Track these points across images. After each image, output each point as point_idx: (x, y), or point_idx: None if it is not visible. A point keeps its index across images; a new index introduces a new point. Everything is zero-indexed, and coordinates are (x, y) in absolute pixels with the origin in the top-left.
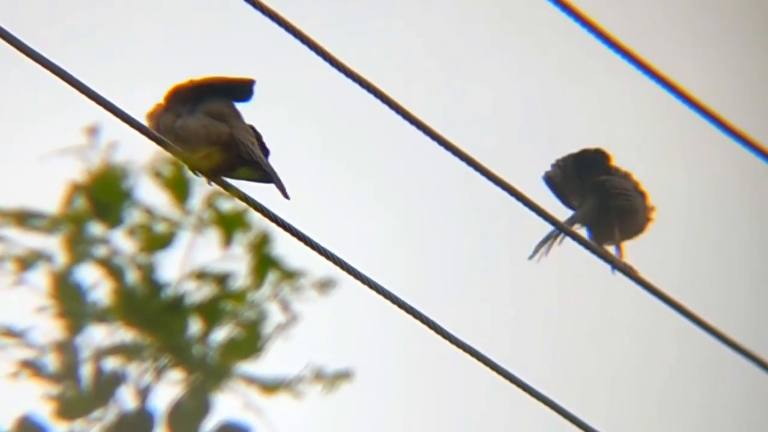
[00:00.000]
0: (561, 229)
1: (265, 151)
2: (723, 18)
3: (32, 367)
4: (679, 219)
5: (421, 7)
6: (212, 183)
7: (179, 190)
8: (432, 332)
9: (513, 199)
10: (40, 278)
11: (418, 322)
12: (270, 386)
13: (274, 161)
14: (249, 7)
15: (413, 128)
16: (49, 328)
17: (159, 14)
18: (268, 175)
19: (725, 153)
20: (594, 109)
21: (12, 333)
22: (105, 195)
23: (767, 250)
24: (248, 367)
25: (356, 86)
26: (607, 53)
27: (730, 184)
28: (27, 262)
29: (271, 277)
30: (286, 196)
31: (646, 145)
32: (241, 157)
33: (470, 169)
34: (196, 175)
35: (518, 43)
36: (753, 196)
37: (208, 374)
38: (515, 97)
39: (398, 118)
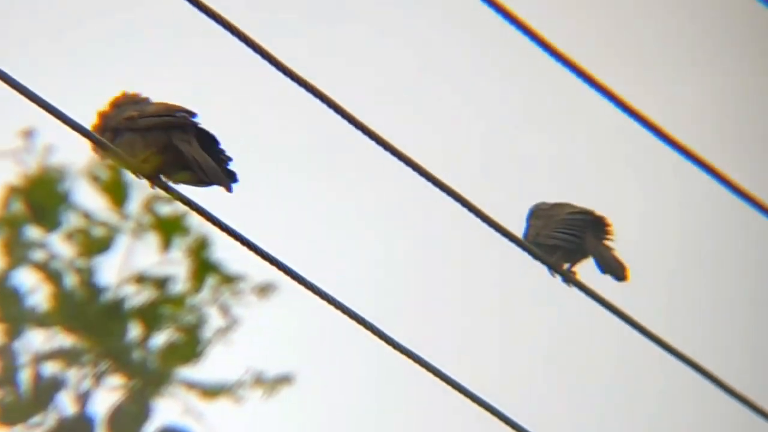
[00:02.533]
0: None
1: (213, 141)
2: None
3: None
4: (661, 255)
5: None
6: (154, 186)
7: (117, 193)
8: (373, 336)
9: (443, 194)
10: None
11: (358, 326)
12: (210, 391)
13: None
14: (210, 23)
15: (349, 126)
16: None
17: (103, 16)
18: (208, 176)
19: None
20: (568, 142)
21: None
22: (42, 198)
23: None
24: (188, 371)
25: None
26: (582, 87)
27: (710, 222)
28: None
29: (211, 281)
30: (228, 189)
31: (615, 173)
32: (181, 156)
33: (405, 169)
34: (138, 177)
35: (492, 74)
36: (733, 234)
37: (148, 379)
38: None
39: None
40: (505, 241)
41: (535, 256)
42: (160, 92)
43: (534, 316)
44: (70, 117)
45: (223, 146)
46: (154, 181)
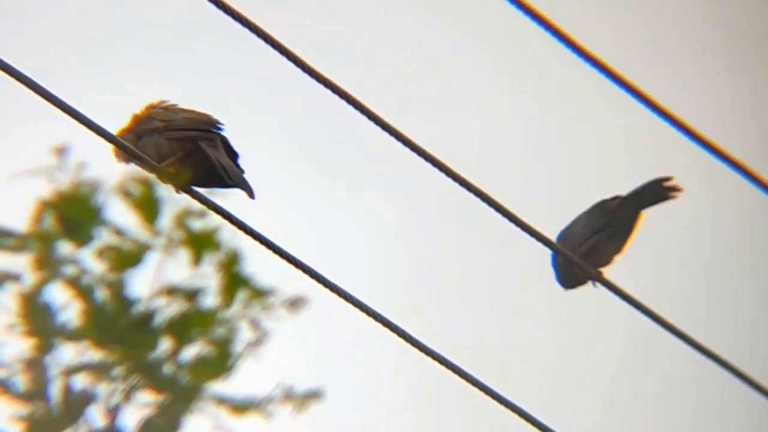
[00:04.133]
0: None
1: (234, 155)
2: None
3: (1, 386)
4: (672, 241)
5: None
6: (181, 192)
7: (148, 208)
8: (407, 344)
9: (478, 201)
10: (9, 297)
11: (392, 334)
12: (240, 406)
13: (247, 167)
14: (232, 23)
15: (390, 138)
16: (18, 347)
17: (133, 29)
18: (232, 179)
19: (717, 179)
20: (586, 134)
21: None
22: (74, 214)
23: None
24: (218, 386)
25: (341, 101)
26: (602, 81)
27: (720, 207)
28: None
29: (241, 295)
30: (251, 196)
31: (638, 168)
32: (206, 161)
33: (441, 177)
34: (165, 184)
35: (513, 68)
36: (746, 220)
37: (178, 393)
38: (510, 118)
39: (377, 129)
40: (546, 252)
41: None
42: (186, 98)
43: (571, 321)
44: (96, 122)
45: (240, 162)
46: (181, 186)
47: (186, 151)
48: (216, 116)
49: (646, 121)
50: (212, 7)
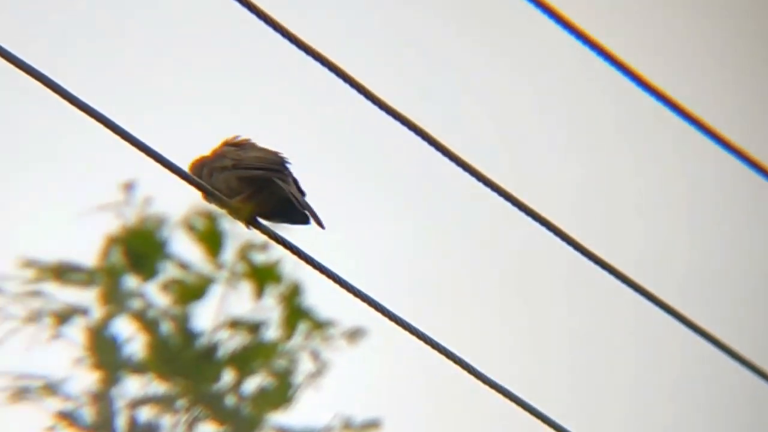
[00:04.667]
0: None
1: (301, 193)
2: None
3: (69, 418)
4: (680, 227)
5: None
6: (249, 226)
7: (212, 242)
8: (466, 373)
9: (564, 244)
10: (77, 331)
11: (451, 363)
12: None
13: (309, 197)
14: (307, 60)
15: (458, 169)
16: (85, 380)
17: (201, 65)
18: (302, 214)
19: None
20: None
21: (49, 385)
22: (140, 248)
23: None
24: (279, 416)
25: (401, 126)
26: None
27: (728, 192)
28: (64, 315)
29: (302, 327)
30: (321, 226)
31: (642, 155)
32: (276, 195)
33: (512, 209)
34: (234, 219)
35: (520, 59)
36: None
37: (241, 424)
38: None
39: (440, 156)
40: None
41: None
42: (256, 132)
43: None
44: (168, 159)
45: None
46: (250, 221)
47: (255, 187)
48: (284, 154)
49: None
50: (286, 46)
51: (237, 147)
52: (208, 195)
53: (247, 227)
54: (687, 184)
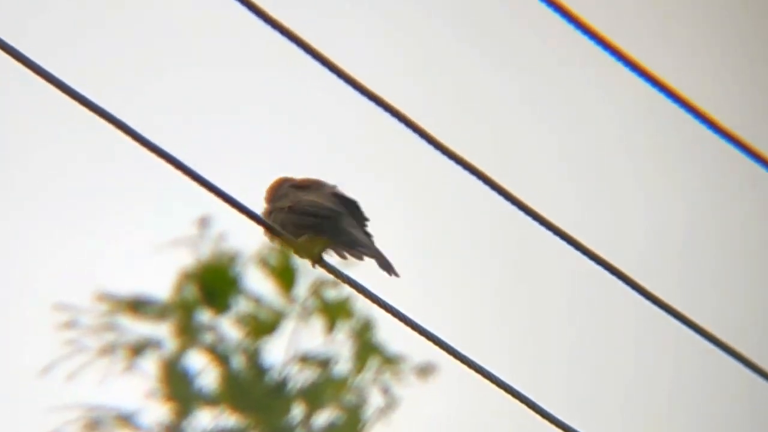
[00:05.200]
0: None
1: (364, 221)
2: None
3: None
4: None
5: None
6: (317, 266)
7: (285, 278)
8: (538, 417)
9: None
10: (150, 364)
11: (523, 406)
12: None
13: (376, 239)
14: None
15: (506, 203)
16: (157, 412)
17: (265, 102)
18: (369, 255)
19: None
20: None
21: (122, 416)
22: (214, 283)
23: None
24: None
25: (461, 171)
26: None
27: (728, 187)
28: (138, 348)
29: (373, 362)
30: (394, 273)
31: (639, 146)
32: (342, 239)
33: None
34: (302, 258)
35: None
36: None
37: None
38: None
39: (495, 196)
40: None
41: None
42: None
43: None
44: (234, 198)
45: (369, 226)
46: (316, 260)
47: (310, 232)
48: (341, 193)
49: (641, 92)
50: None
51: (300, 188)
52: (274, 233)
53: (314, 266)
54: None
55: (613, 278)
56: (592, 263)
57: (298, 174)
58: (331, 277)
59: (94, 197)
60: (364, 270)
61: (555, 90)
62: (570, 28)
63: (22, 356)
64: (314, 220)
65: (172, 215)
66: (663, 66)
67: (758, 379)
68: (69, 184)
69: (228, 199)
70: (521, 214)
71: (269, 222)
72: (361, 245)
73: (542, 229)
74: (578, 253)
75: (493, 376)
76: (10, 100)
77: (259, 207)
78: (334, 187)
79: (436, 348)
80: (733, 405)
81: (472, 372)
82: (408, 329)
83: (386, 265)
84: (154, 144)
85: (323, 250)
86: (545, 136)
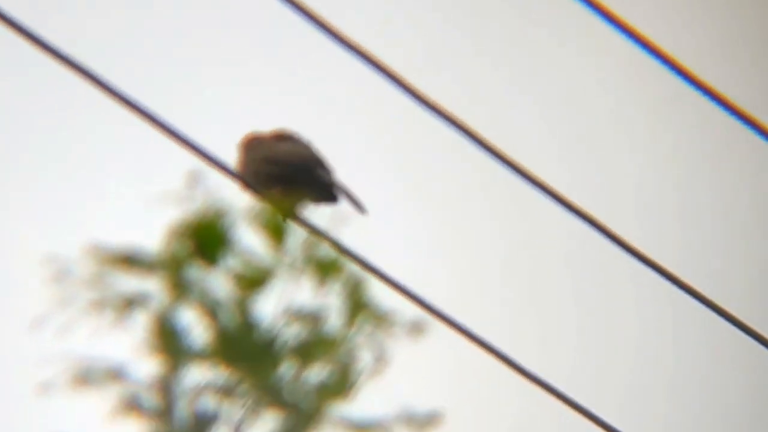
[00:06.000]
0: None
1: (332, 171)
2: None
3: (132, 403)
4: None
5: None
6: (292, 218)
7: (276, 234)
8: (523, 378)
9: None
10: (141, 318)
11: (509, 369)
12: (361, 427)
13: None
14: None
15: (502, 167)
16: (148, 367)
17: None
18: (339, 195)
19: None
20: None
21: (113, 370)
22: (204, 238)
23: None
24: (340, 408)
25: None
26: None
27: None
28: (128, 302)
29: (364, 320)
30: (362, 210)
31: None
32: (311, 185)
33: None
34: (274, 209)
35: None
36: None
37: (301, 414)
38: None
39: (488, 158)
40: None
41: None
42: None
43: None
44: (209, 153)
45: (338, 175)
46: (289, 213)
47: (287, 179)
48: (312, 149)
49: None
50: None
51: (275, 139)
52: (248, 188)
53: (286, 219)
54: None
55: (604, 238)
56: (582, 223)
57: (269, 128)
58: (316, 233)
59: (82, 150)
60: (347, 228)
61: (538, 48)
62: None
63: (11, 308)
64: (290, 169)
65: (161, 169)
66: (645, 21)
67: (758, 346)
68: (56, 135)
69: (201, 152)
70: (510, 173)
71: (242, 176)
72: (336, 189)
73: (533, 189)
74: (570, 214)
75: (481, 339)
76: None
77: (233, 161)
78: (308, 140)
79: (420, 307)
80: (735, 371)
81: (461, 334)
82: (391, 287)
83: (358, 205)
84: (134, 101)
85: (297, 203)
86: (533, 93)
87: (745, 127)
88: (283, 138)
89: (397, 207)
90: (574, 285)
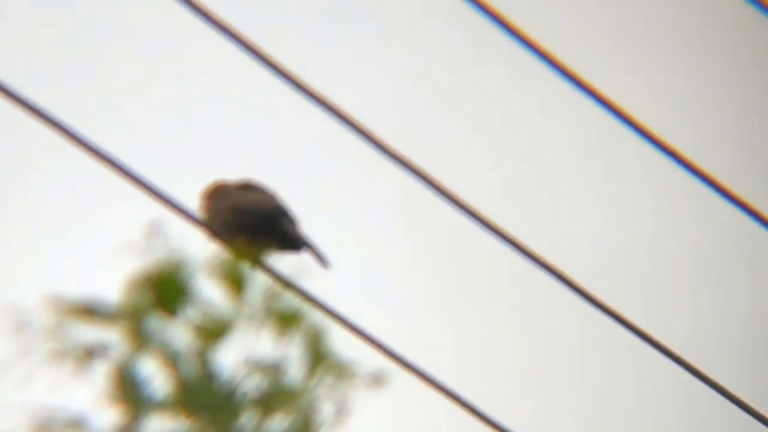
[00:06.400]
0: None
1: (298, 222)
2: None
3: None
4: None
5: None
6: (257, 268)
7: (236, 284)
8: (487, 427)
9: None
10: (102, 368)
11: (475, 420)
12: None
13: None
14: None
15: (455, 211)
16: (109, 417)
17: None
18: (304, 246)
19: None
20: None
21: (74, 421)
22: (164, 289)
23: None
24: None
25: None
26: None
27: None
28: (89, 352)
29: (325, 370)
30: (326, 264)
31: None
32: (275, 235)
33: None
34: (239, 258)
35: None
36: None
37: None
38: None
39: (446, 204)
40: None
41: None
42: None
43: None
44: (173, 200)
45: (303, 227)
46: (255, 261)
47: (252, 231)
48: (279, 200)
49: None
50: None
51: (241, 188)
52: (214, 236)
53: (251, 268)
54: None
55: (560, 285)
56: (541, 271)
57: (233, 178)
58: (279, 282)
59: (42, 198)
60: (312, 278)
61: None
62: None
63: None
64: (257, 219)
65: (122, 219)
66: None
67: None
68: (16, 182)
69: (166, 200)
70: (472, 222)
71: (207, 224)
72: (301, 241)
73: (496, 238)
74: (534, 264)
75: (443, 385)
76: None
77: (199, 210)
78: (273, 190)
79: (386, 356)
80: None
81: (422, 381)
82: (357, 337)
83: (322, 259)
84: (96, 147)
85: (262, 252)
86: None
87: (703, 183)
88: (249, 188)
89: (360, 258)
90: (543, 336)
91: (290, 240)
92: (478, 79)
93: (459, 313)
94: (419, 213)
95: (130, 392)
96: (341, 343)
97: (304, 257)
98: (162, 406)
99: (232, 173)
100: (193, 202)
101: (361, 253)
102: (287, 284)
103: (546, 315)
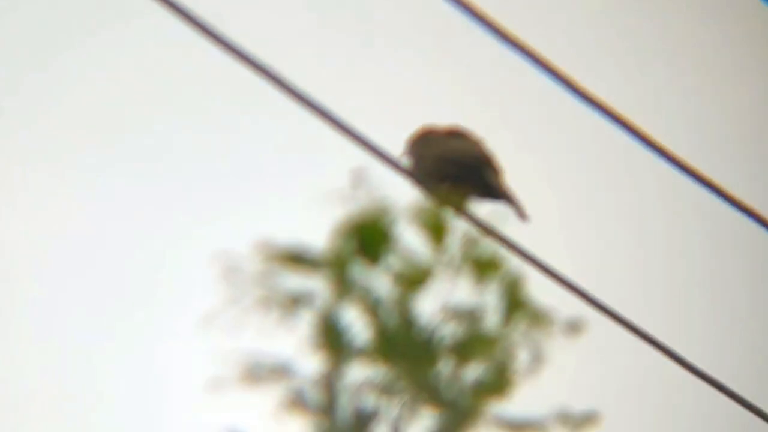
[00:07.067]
0: None
1: (501, 172)
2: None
3: (295, 400)
4: None
5: None
6: (459, 215)
7: (437, 232)
8: (688, 373)
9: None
10: (306, 315)
11: (671, 362)
12: (517, 426)
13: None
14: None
15: (661, 161)
16: (311, 364)
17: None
18: (504, 198)
19: None
20: None
21: (280, 367)
22: (368, 236)
23: None
24: (497, 406)
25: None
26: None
27: None
28: (294, 300)
29: (522, 317)
30: (524, 217)
31: None
32: (478, 185)
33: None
34: (445, 207)
35: None
36: None
37: (458, 412)
38: None
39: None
40: None
41: None
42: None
43: None
44: (381, 150)
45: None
46: (459, 208)
47: (456, 178)
48: (484, 148)
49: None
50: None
51: (448, 135)
52: (417, 182)
53: (456, 215)
54: None
55: None
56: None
57: (440, 123)
58: (479, 230)
59: (251, 148)
60: (510, 226)
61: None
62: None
63: (182, 305)
64: (460, 169)
65: (329, 167)
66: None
67: None
68: (227, 133)
69: (371, 147)
70: (679, 172)
71: (412, 171)
72: (502, 192)
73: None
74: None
75: (643, 331)
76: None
77: (403, 156)
78: (479, 138)
79: (585, 304)
80: None
81: (621, 327)
82: (556, 284)
83: (521, 211)
84: (305, 96)
85: (464, 200)
86: None
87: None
88: (455, 134)
89: (559, 204)
90: (755, 290)
91: (491, 191)
92: None
93: (660, 260)
94: (620, 159)
95: (333, 340)
96: (538, 290)
97: (502, 207)
98: (362, 353)
99: (439, 119)
100: (398, 149)
101: (560, 198)
102: (486, 231)
103: (759, 272)
